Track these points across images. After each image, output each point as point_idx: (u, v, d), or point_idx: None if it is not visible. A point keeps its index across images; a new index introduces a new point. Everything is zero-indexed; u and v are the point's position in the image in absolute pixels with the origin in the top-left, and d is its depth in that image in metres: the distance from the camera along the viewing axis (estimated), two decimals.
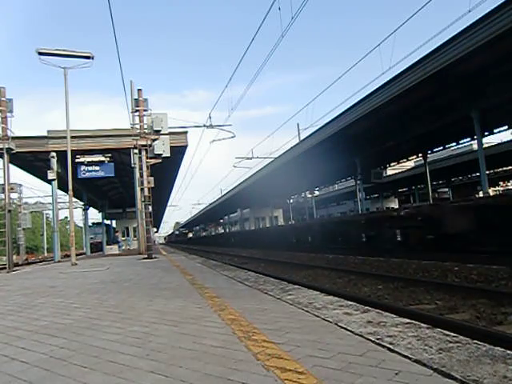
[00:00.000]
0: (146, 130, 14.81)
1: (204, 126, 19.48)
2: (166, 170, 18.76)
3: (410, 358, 1.83)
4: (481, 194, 14.53)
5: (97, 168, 16.67)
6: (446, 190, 32.98)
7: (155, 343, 2.42)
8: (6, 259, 15.37)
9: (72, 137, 13.78)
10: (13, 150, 14.98)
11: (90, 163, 16.53)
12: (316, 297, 3.72)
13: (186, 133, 17.25)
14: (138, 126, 15.37)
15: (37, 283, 7.29)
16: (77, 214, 32.91)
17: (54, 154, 15.95)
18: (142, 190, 14.50)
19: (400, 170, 31.97)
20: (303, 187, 28.88)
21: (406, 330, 2.33)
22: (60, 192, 21.70)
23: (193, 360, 2.04)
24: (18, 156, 15.88)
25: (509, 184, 37.29)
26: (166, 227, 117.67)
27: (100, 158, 16.59)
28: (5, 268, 14.87)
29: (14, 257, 21.92)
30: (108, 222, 35.93)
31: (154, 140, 14.08)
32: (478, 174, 24.60)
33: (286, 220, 39.47)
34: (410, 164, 31.41)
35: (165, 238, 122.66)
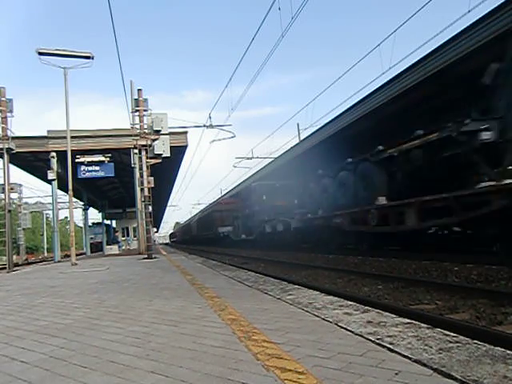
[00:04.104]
0: (146, 130, 14.83)
1: (204, 126, 19.51)
2: (166, 170, 18.76)
3: (410, 358, 1.83)
4: None
5: (97, 168, 16.69)
6: None
7: (155, 343, 2.42)
8: (6, 259, 15.40)
9: (72, 137, 13.78)
10: (13, 150, 15.00)
11: (90, 163, 16.54)
12: (316, 297, 3.72)
13: (186, 133, 17.27)
14: (137, 126, 15.41)
15: (37, 283, 7.29)
16: (77, 213, 32.92)
17: (53, 154, 15.96)
18: (141, 190, 14.51)
19: None
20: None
21: (406, 330, 2.33)
22: (60, 192, 21.70)
23: (193, 360, 2.04)
24: (18, 156, 15.90)
25: None
26: (166, 227, 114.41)
27: (100, 158, 16.61)
28: (5, 268, 14.88)
29: (14, 257, 21.94)
30: (108, 222, 35.97)
31: (154, 140, 14.10)
32: None
33: None
34: None
35: (171, 235, 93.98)
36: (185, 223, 64.09)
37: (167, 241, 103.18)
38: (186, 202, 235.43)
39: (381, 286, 6.51)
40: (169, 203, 45.56)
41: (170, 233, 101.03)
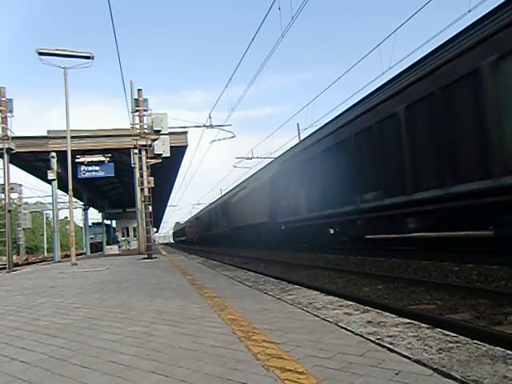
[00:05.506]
0: (146, 130, 14.82)
1: (204, 126, 19.50)
2: (166, 170, 18.77)
3: (410, 358, 1.83)
4: None
5: (97, 168, 16.70)
6: None
7: (155, 343, 2.42)
8: (6, 259, 15.40)
9: (72, 137, 13.79)
10: (13, 150, 15.00)
11: (89, 163, 16.55)
12: (316, 297, 3.72)
13: (186, 133, 17.28)
14: (137, 126, 15.40)
15: (37, 283, 7.29)
16: (77, 213, 32.95)
17: (54, 154, 15.97)
18: (141, 190, 14.51)
19: None
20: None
21: (406, 330, 2.33)
22: (60, 192, 21.72)
23: (193, 360, 2.04)
24: (18, 156, 15.90)
25: None
26: (166, 227, 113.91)
27: (100, 158, 16.63)
28: (5, 268, 14.88)
29: (14, 257, 21.95)
30: (108, 222, 35.97)
31: (154, 140, 14.10)
32: None
33: None
34: None
35: (175, 234, 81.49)
36: (203, 212, 44.68)
37: (167, 241, 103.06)
38: (186, 201, 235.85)
39: (381, 286, 6.51)
40: (169, 203, 45.60)
41: (172, 232, 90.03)
